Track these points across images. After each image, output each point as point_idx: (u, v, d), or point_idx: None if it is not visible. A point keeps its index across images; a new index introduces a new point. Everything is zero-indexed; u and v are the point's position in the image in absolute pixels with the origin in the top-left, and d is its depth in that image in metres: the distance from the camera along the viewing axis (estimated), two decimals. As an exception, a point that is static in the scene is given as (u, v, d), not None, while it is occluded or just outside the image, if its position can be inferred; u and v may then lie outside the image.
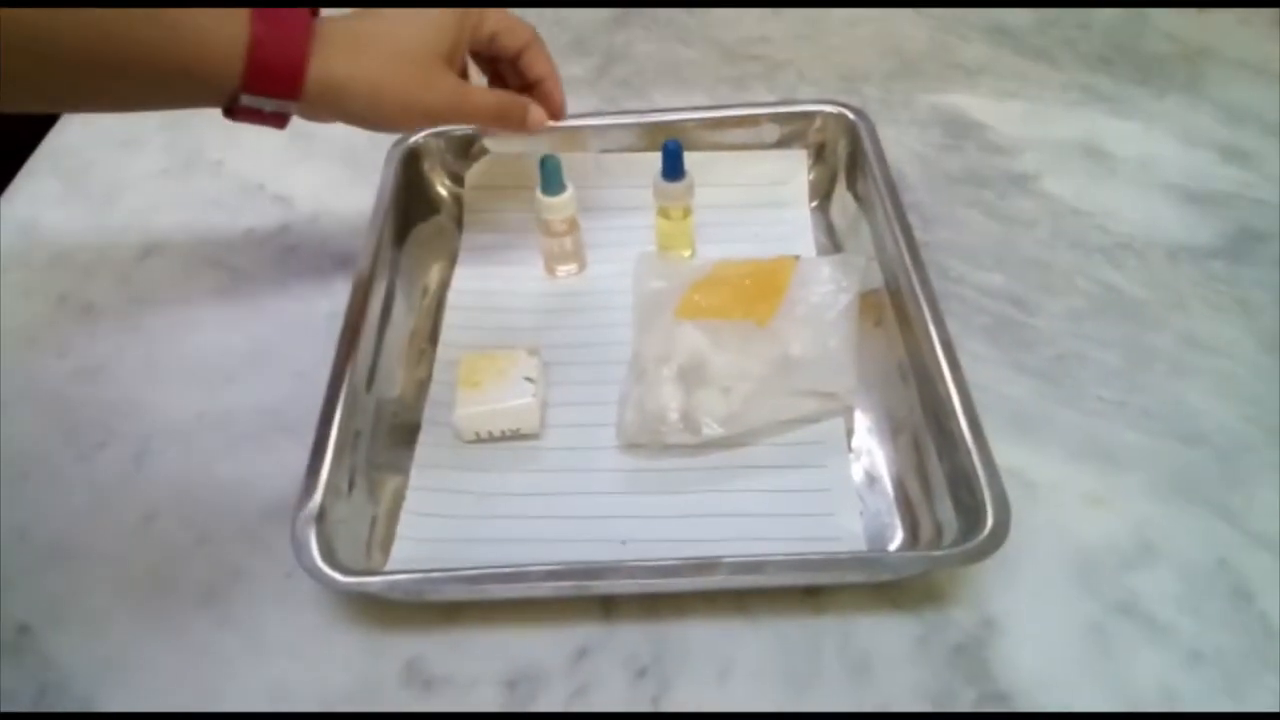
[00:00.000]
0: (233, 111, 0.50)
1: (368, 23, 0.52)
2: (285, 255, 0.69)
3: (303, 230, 0.70)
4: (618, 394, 0.56)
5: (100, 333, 0.64)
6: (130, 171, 0.76)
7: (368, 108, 0.52)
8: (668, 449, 0.54)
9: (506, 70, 0.59)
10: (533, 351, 0.57)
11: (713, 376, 0.54)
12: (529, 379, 0.55)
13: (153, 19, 0.45)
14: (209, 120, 0.52)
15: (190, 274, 0.68)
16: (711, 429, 0.53)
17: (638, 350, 0.57)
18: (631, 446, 0.54)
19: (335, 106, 0.51)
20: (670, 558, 0.46)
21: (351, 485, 0.51)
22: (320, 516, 0.47)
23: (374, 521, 0.52)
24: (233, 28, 0.47)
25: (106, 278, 0.68)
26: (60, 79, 0.45)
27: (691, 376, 0.54)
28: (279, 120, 0.51)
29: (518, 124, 0.57)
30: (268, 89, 0.48)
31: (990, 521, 0.44)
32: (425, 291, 0.66)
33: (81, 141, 0.79)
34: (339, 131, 0.76)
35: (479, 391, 0.55)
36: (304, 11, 0.50)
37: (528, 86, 0.59)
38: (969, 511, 0.46)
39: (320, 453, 0.50)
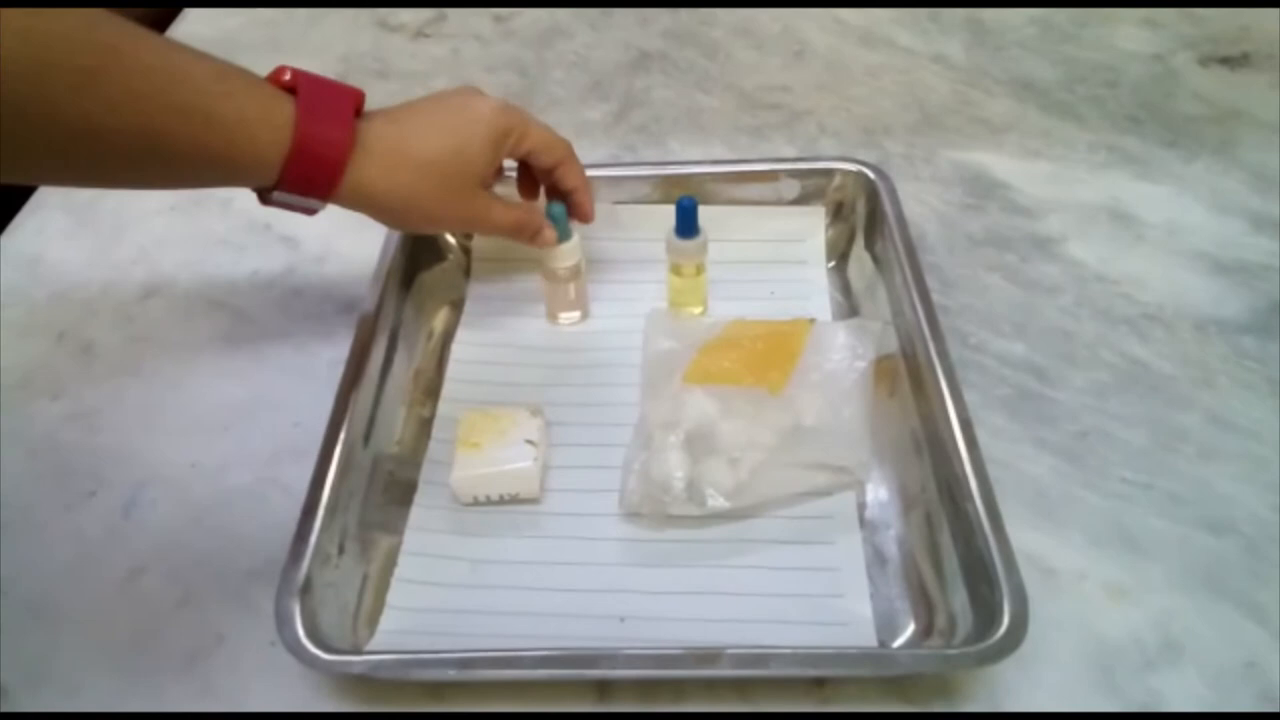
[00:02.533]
0: (263, 198, 0.51)
1: (409, 128, 0.53)
2: (289, 299, 0.67)
3: (308, 273, 0.69)
4: (622, 459, 0.54)
5: (97, 374, 0.63)
6: (138, 206, 0.75)
7: (395, 217, 0.55)
8: (671, 519, 0.52)
9: (538, 172, 0.61)
10: (535, 411, 0.56)
11: (721, 445, 0.52)
12: (530, 441, 0.54)
13: (197, 116, 0.45)
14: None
15: (192, 315, 0.66)
16: (717, 501, 0.51)
17: (644, 414, 0.55)
18: (633, 515, 0.52)
19: (365, 209, 0.53)
20: (670, 645, 0.44)
21: (342, 549, 0.49)
22: (306, 588, 0.45)
23: (364, 583, 0.51)
24: (274, 132, 0.47)
25: (107, 317, 0.67)
26: (91, 166, 0.46)
27: (699, 445, 0.52)
28: (307, 211, 0.52)
29: (529, 240, 0.59)
30: (302, 190, 0.50)
31: (1006, 620, 0.42)
32: (430, 336, 0.64)
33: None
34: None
35: (478, 453, 0.53)
36: (348, 110, 0.50)
37: (558, 192, 0.61)
38: (985, 605, 0.44)
39: (310, 518, 0.48)
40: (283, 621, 0.44)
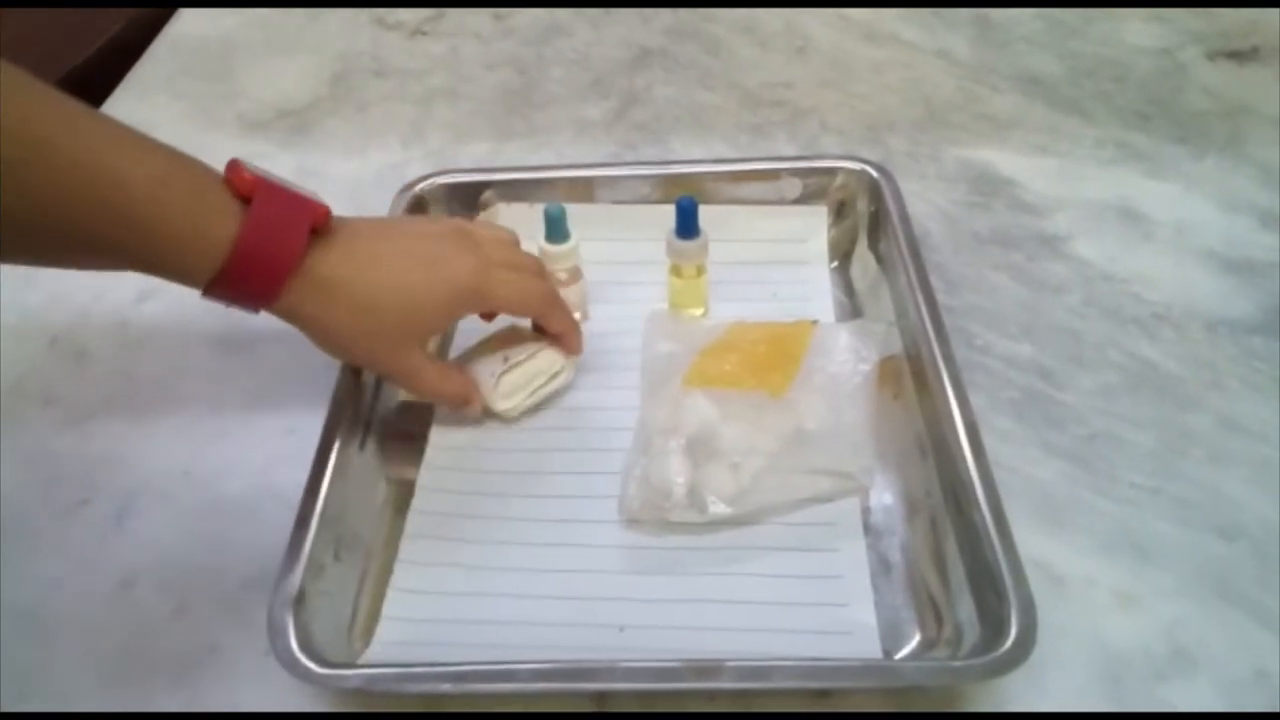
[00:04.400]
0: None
1: (364, 268, 0.50)
2: (285, 302, 0.66)
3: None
4: (621, 464, 0.53)
5: (90, 380, 0.62)
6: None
7: (327, 349, 0.52)
8: (671, 526, 0.51)
9: None
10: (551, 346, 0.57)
11: (722, 450, 0.51)
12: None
13: (125, 223, 0.43)
14: (216, 157, 0.49)
15: (188, 319, 0.65)
16: (718, 507, 0.50)
17: (644, 418, 0.54)
18: (633, 522, 0.51)
19: (297, 326, 0.50)
20: (670, 658, 0.43)
21: (337, 557, 0.49)
22: (299, 599, 0.45)
23: (360, 593, 0.50)
24: (207, 250, 0.45)
25: (102, 321, 0.66)
26: (14, 251, 0.45)
27: (699, 449, 0.51)
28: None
29: (458, 409, 0.56)
30: (229, 301, 0.48)
31: (1014, 632, 0.41)
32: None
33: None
34: (345, 170, 0.76)
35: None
36: (299, 234, 0.47)
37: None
38: (992, 615, 0.43)
39: (303, 527, 0.47)
40: (276, 634, 0.43)
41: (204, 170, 0.46)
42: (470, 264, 0.52)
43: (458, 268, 0.51)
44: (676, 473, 0.50)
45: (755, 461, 0.51)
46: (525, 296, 0.55)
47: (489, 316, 0.59)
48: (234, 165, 0.47)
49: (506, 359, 0.56)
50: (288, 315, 0.49)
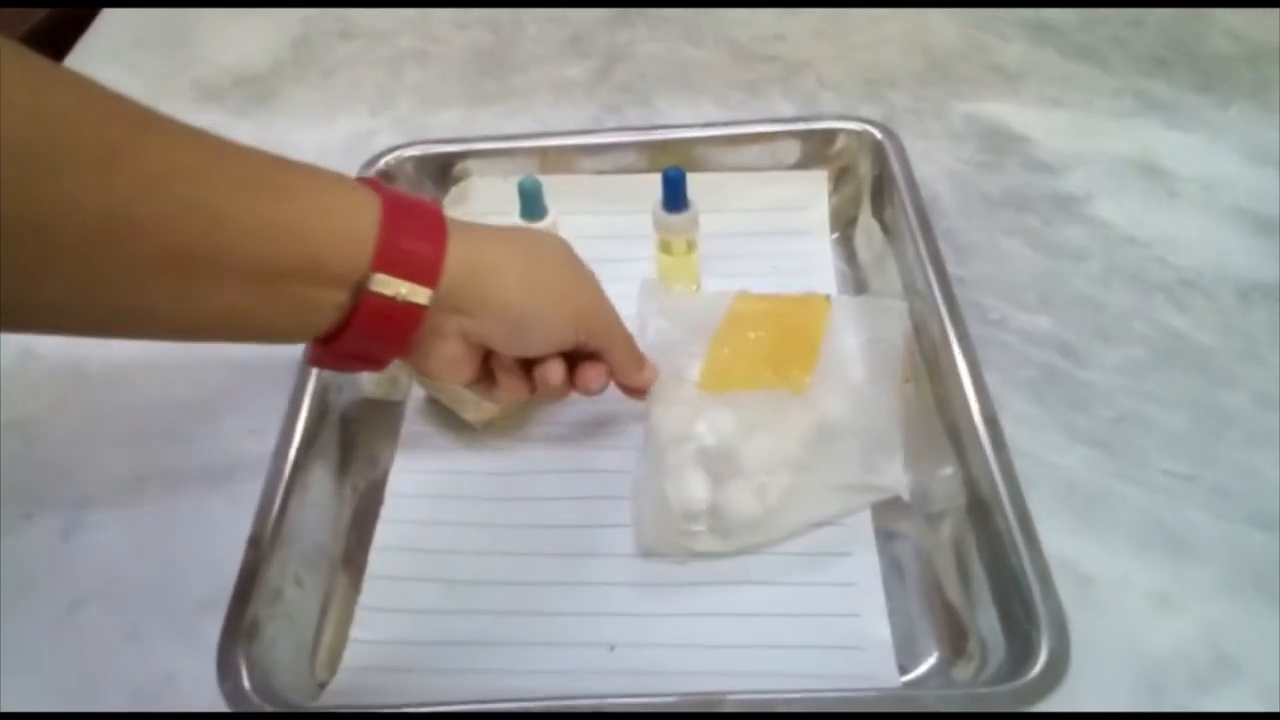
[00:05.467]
0: (322, 356, 0.42)
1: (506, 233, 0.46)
2: (245, 288, 0.62)
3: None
4: (613, 462, 0.49)
5: (37, 379, 0.57)
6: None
7: (512, 313, 0.43)
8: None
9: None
10: None
11: (744, 468, 0.46)
12: None
13: (271, 187, 0.37)
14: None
15: (140, 309, 0.61)
16: (744, 536, 0.45)
17: (653, 424, 0.48)
18: (646, 551, 0.47)
19: (475, 292, 0.42)
20: (664, 691, 0.39)
21: (297, 579, 0.45)
22: (252, 631, 0.40)
23: (325, 613, 0.46)
24: (358, 230, 0.39)
25: (48, 313, 0.61)
26: (109, 283, 0.35)
27: (719, 465, 0.46)
28: (374, 364, 0.44)
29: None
30: (404, 270, 0.40)
31: (1045, 655, 0.37)
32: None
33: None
34: (308, 140, 0.71)
35: None
36: (435, 211, 0.42)
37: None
38: (1019, 632, 0.39)
39: (256, 548, 0.43)
40: (225, 673, 0.39)
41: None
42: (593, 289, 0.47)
43: (588, 282, 0.47)
44: (695, 490, 0.45)
45: (781, 478, 0.46)
46: (616, 327, 0.48)
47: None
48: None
49: None
50: (468, 270, 0.41)
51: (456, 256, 0.41)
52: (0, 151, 0.30)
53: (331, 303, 0.39)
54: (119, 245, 0.33)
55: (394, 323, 0.40)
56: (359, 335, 0.40)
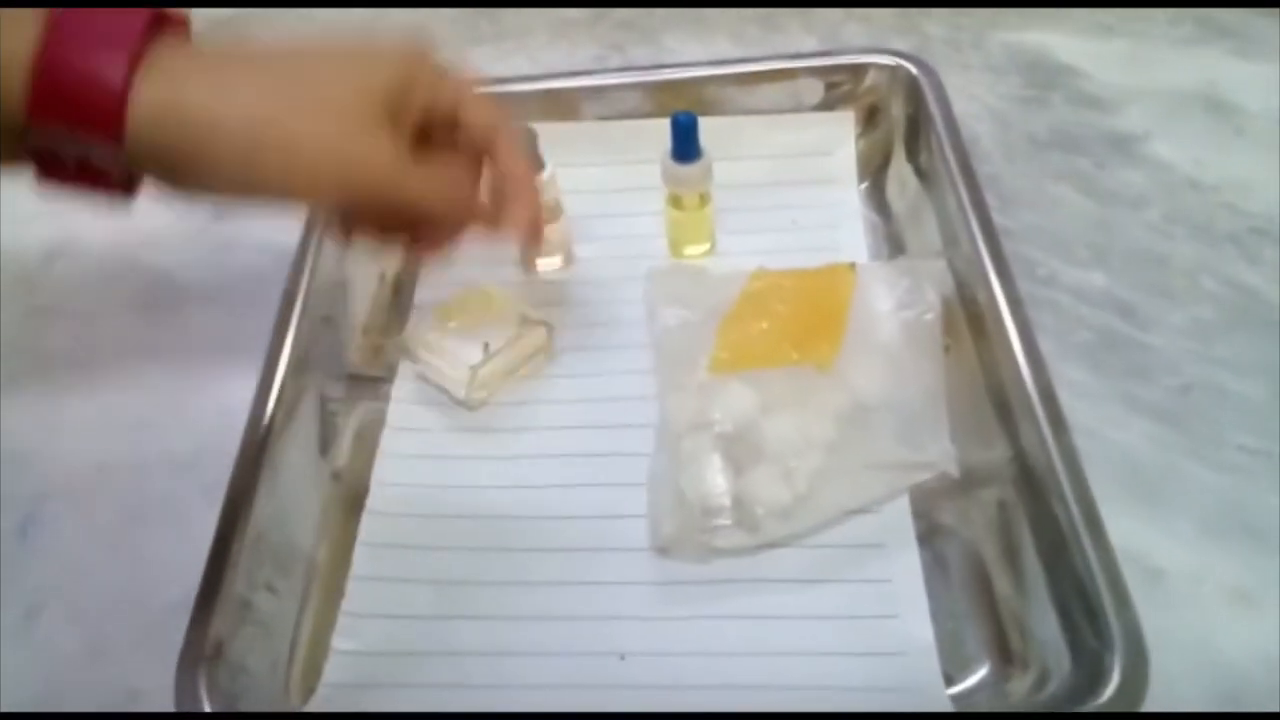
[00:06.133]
0: (35, 158, 0.33)
1: (258, 50, 0.35)
2: (219, 252, 0.56)
3: (240, 219, 0.58)
4: (627, 446, 0.45)
5: (-9, 359, 0.53)
6: (42, 146, 0.64)
7: (239, 156, 0.33)
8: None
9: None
10: (530, 321, 0.48)
11: (768, 451, 0.41)
12: (487, 344, 0.47)
13: None
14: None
15: (105, 279, 0.56)
16: (772, 528, 0.40)
17: (666, 414, 0.44)
18: (664, 550, 0.42)
19: (180, 149, 0.32)
20: (683, 708, 0.34)
21: (270, 586, 0.40)
22: (216, 651, 0.36)
23: (301, 620, 0.41)
24: (12, 39, 0.31)
25: (7, 284, 0.56)
26: None
27: (740, 451, 0.41)
28: (97, 178, 0.34)
29: (480, 222, 0.39)
30: (68, 116, 0.31)
31: (1117, 677, 0.32)
32: (381, 281, 0.54)
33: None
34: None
35: (440, 328, 0.48)
36: (135, 20, 0.32)
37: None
38: (1084, 646, 0.34)
39: (222, 557, 0.38)
40: (184, 698, 0.35)
41: None
42: (397, 42, 0.37)
43: (386, 43, 0.36)
44: (717, 484, 0.40)
45: (811, 460, 0.41)
46: (484, 97, 0.38)
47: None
48: None
49: (487, 347, 0.46)
50: (162, 110, 0.31)
51: (148, 104, 0.31)
52: None
53: None
54: None
55: (83, 178, 0.33)
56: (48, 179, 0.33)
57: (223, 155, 0.32)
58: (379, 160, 0.35)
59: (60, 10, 0.31)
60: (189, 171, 0.33)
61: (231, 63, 0.34)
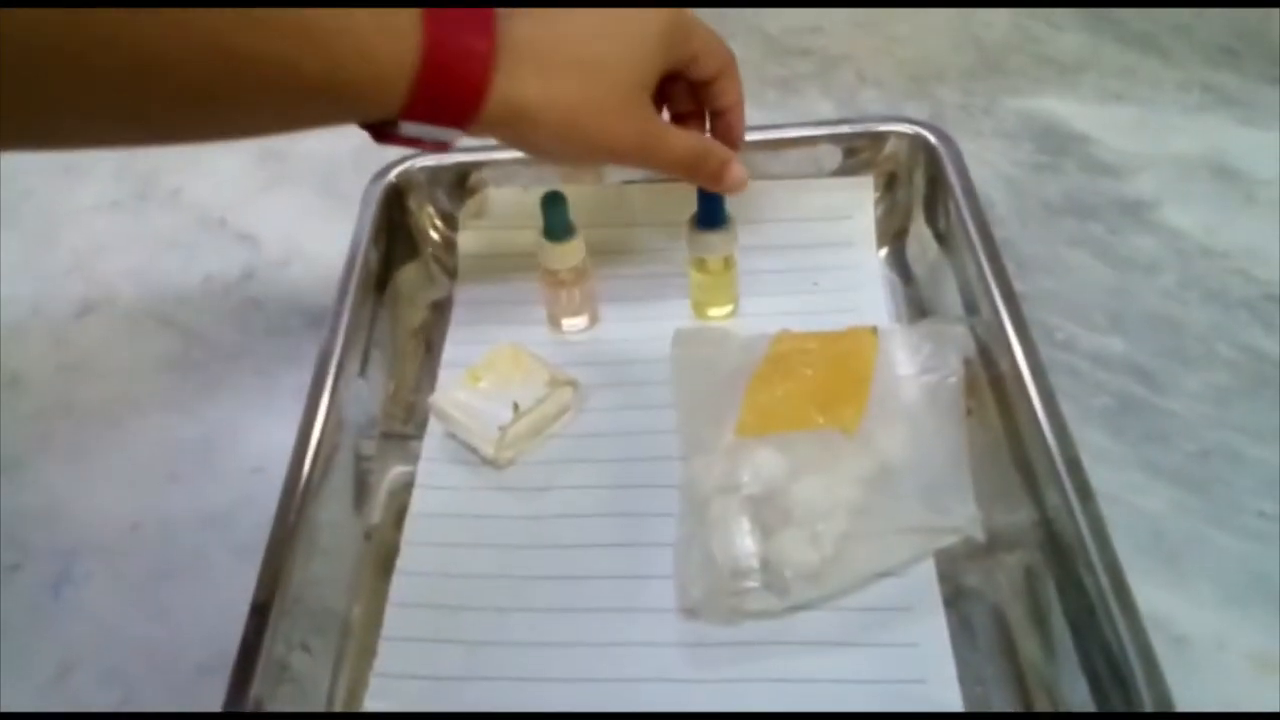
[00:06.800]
0: (382, 135, 0.40)
1: (563, 26, 0.42)
2: (247, 311, 0.57)
3: (269, 278, 0.59)
4: (654, 505, 0.45)
5: (25, 413, 0.54)
6: (74, 202, 0.65)
7: (555, 139, 0.43)
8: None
9: (682, 89, 0.48)
10: (561, 381, 0.49)
11: (796, 515, 0.41)
12: (516, 405, 0.47)
13: (295, 32, 0.34)
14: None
15: (135, 335, 0.57)
16: (801, 590, 0.41)
17: (692, 476, 0.44)
18: (693, 612, 0.42)
19: (515, 134, 0.42)
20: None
21: (305, 645, 0.40)
22: (256, 713, 0.36)
23: (336, 680, 0.42)
24: (396, 41, 0.36)
25: (39, 340, 0.57)
26: (148, 113, 0.34)
27: (767, 513, 0.42)
28: (440, 146, 0.41)
29: (711, 180, 0.47)
30: (437, 116, 0.39)
31: (1153, 746, 0.33)
32: (411, 348, 0.55)
33: (18, 164, 0.68)
34: (316, 148, 0.66)
35: (471, 387, 0.48)
36: (485, 13, 0.39)
37: (704, 113, 0.49)
38: (1113, 712, 0.34)
39: (261, 617, 0.39)
40: (225, 766, 0.35)
41: None
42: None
43: (649, 5, 0.44)
44: (746, 547, 0.41)
45: (838, 523, 0.41)
46: (718, 42, 0.47)
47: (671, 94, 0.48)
48: None
49: (516, 406, 0.47)
50: (506, 112, 0.40)
51: (498, 104, 0.39)
52: None
53: (362, 120, 0.39)
54: (143, 86, 0.33)
55: (427, 146, 0.41)
56: (392, 144, 0.40)
57: (542, 139, 0.42)
58: (649, 134, 0.44)
59: (433, 20, 0.37)
60: (513, 143, 0.43)
61: (545, 55, 0.41)
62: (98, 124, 0.34)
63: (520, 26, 0.40)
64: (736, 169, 0.47)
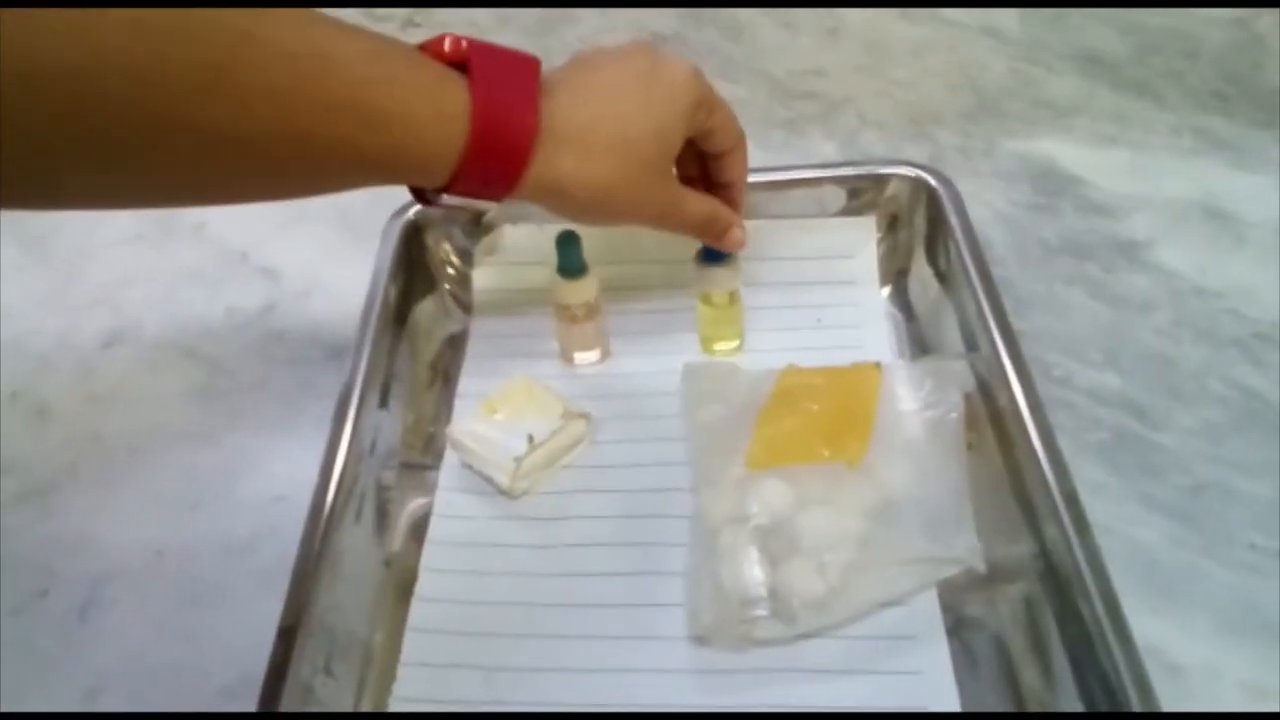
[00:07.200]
0: (424, 199, 0.45)
1: (602, 106, 0.45)
2: (269, 343, 0.59)
3: (290, 311, 0.61)
4: (667, 532, 0.47)
5: (52, 442, 0.55)
6: (99, 236, 0.67)
7: (585, 211, 0.47)
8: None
9: (689, 154, 0.50)
10: (574, 414, 0.50)
11: (803, 545, 0.43)
12: (531, 436, 0.49)
13: (351, 113, 0.37)
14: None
15: (160, 367, 0.59)
16: (808, 619, 0.42)
17: (702, 507, 0.46)
18: (703, 639, 0.43)
19: (550, 202, 0.46)
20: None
21: (328, 669, 0.42)
22: (283, 739, 0.38)
23: (358, 703, 0.43)
24: (447, 125, 0.40)
25: (65, 370, 0.59)
26: (218, 182, 0.38)
27: (775, 543, 0.43)
28: (476, 208, 0.45)
29: (715, 239, 0.51)
30: (477, 191, 0.43)
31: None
32: (428, 380, 0.56)
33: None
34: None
35: (487, 418, 0.50)
36: (531, 87, 0.42)
37: (712, 184, 0.52)
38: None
39: (288, 641, 0.40)
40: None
41: (403, 44, 0.41)
42: (684, 67, 0.47)
43: (679, 75, 0.46)
44: (754, 577, 0.42)
45: (843, 554, 0.43)
46: (732, 120, 0.50)
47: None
48: (428, 43, 0.42)
49: (531, 438, 0.49)
50: (541, 187, 0.44)
51: (535, 179, 0.43)
52: (105, 65, 0.31)
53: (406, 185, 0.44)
54: (215, 160, 0.35)
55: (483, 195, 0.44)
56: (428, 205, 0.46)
57: (572, 210, 0.47)
58: (669, 203, 0.48)
59: (481, 104, 0.40)
60: (544, 208, 0.46)
61: (583, 136, 0.44)
62: (166, 193, 0.38)
63: (561, 106, 0.43)
64: (738, 232, 0.51)
